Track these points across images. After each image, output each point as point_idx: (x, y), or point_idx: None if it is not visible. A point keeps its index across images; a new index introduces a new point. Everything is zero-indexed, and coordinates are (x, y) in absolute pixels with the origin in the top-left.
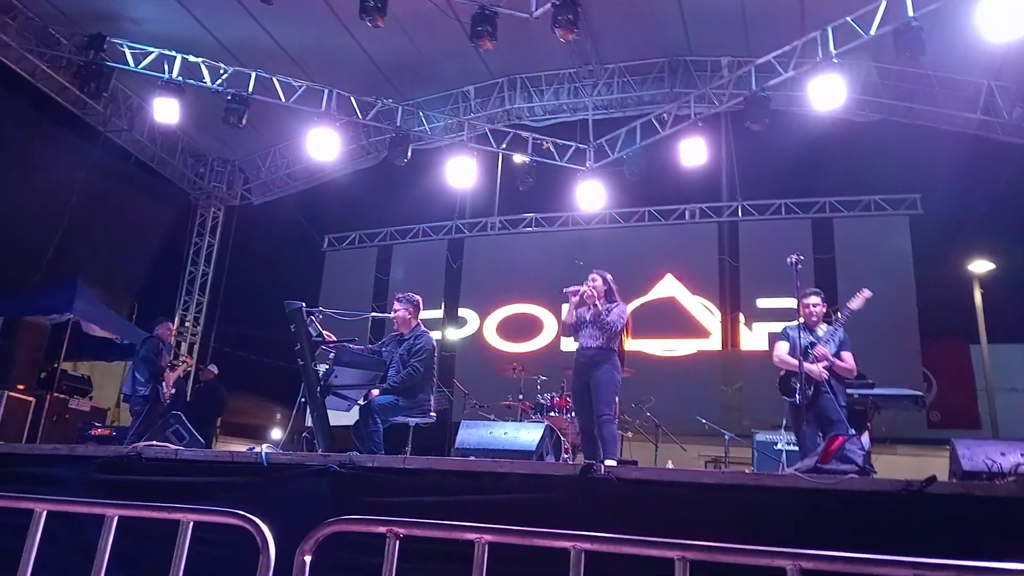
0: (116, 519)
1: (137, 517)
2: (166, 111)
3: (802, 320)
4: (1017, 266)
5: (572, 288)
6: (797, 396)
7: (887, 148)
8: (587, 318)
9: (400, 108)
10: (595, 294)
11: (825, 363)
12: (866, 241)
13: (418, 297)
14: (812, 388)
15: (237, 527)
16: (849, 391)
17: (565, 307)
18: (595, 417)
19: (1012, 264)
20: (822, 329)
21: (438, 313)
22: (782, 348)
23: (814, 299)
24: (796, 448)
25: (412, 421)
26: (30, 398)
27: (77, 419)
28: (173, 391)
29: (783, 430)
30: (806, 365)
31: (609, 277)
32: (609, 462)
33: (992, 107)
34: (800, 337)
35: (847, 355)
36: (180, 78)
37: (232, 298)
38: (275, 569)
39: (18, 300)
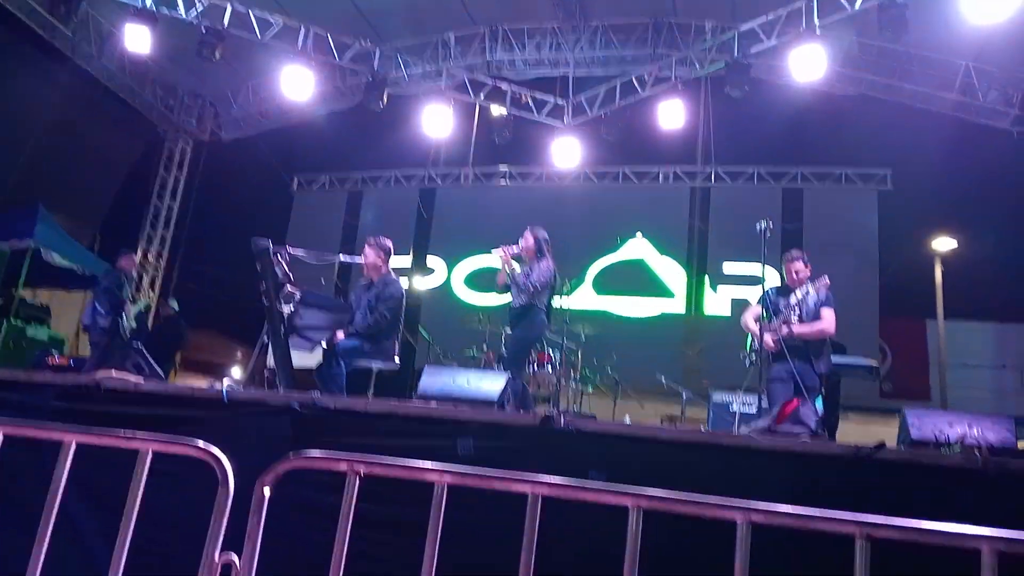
0: (73, 445)
1: (95, 446)
2: (137, 40)
3: (783, 282)
4: (979, 245)
5: (500, 248)
6: (747, 359)
7: (863, 123)
8: (515, 277)
9: (378, 51)
10: (507, 255)
11: (784, 332)
12: (834, 213)
13: (389, 242)
14: (783, 354)
15: (196, 460)
16: None
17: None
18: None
19: (974, 243)
20: (800, 291)
21: (406, 261)
22: (752, 313)
23: (797, 264)
24: (752, 411)
25: (375, 366)
26: None
27: (34, 347)
28: (133, 324)
29: (742, 391)
30: (760, 334)
31: (541, 235)
32: None
33: (969, 88)
34: (777, 300)
35: (826, 311)
36: (153, 7)
37: (198, 234)
38: (233, 503)
39: None
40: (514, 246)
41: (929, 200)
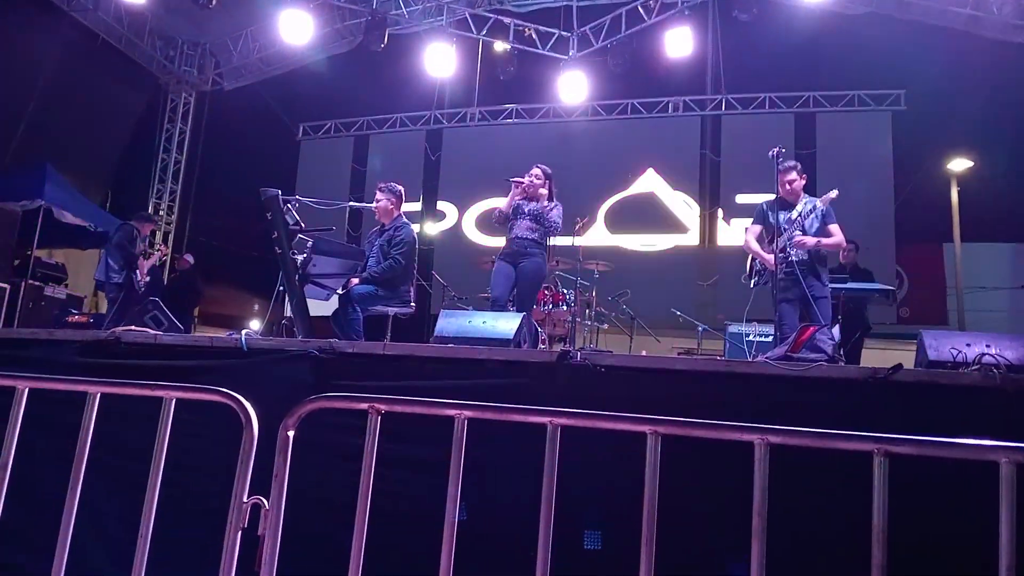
0: (98, 397)
1: (119, 399)
2: None
3: (778, 195)
4: (995, 164)
5: (517, 179)
6: (751, 280)
7: (874, 43)
8: (525, 210)
9: None
10: (526, 184)
11: (809, 245)
12: (848, 137)
13: (400, 187)
14: (791, 272)
15: (219, 408)
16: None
17: (505, 198)
18: (518, 305)
19: (990, 162)
20: (800, 205)
21: (417, 206)
22: (752, 232)
23: (791, 174)
24: (768, 340)
25: (391, 311)
26: (4, 285)
27: (53, 306)
28: (147, 279)
29: (755, 322)
30: (763, 255)
31: (550, 173)
32: None
33: (982, 3)
34: (778, 216)
35: (834, 227)
36: None
37: (206, 186)
38: (258, 448)
39: None
40: (524, 179)
41: (944, 120)
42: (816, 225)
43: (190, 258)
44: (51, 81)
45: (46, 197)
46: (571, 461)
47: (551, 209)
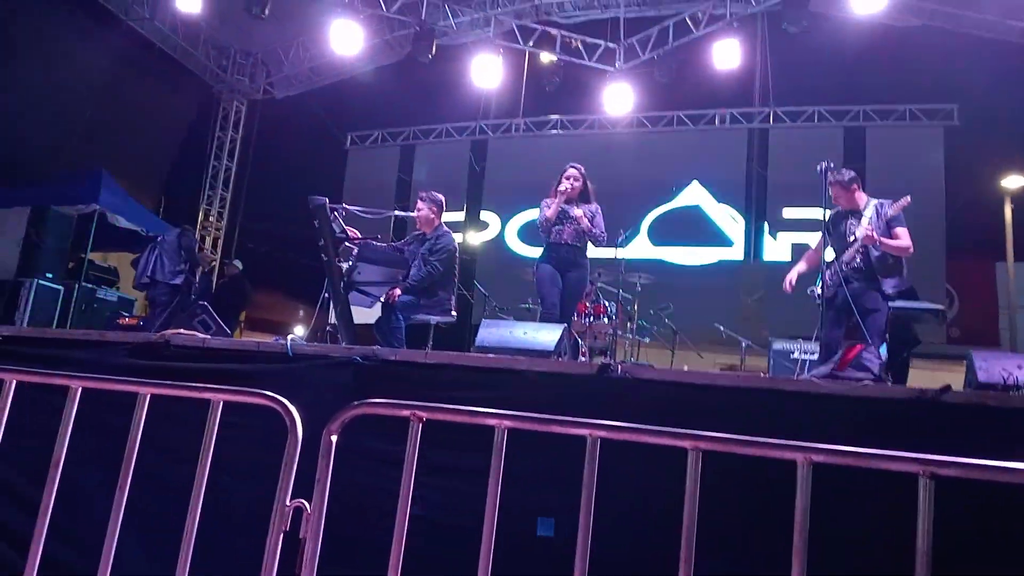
0: (148, 398)
1: (166, 403)
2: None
3: (838, 207)
4: None
5: (561, 187)
6: (814, 293)
7: (926, 56)
8: (571, 214)
9: (425, 1)
10: (572, 190)
11: (871, 237)
12: (898, 152)
13: (441, 196)
14: (841, 278)
15: (263, 411)
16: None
17: (549, 203)
18: (562, 316)
19: None
20: (869, 210)
21: (460, 216)
22: (814, 247)
23: (835, 188)
24: (813, 357)
25: (433, 319)
26: (59, 286)
27: (105, 309)
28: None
29: (800, 339)
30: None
31: (585, 172)
32: None
33: None
34: (840, 223)
35: (901, 231)
36: None
37: (256, 193)
38: (300, 452)
39: (44, 189)
40: (565, 185)
41: (998, 136)
42: (882, 230)
43: (239, 264)
44: (107, 88)
45: (101, 202)
46: (611, 472)
47: (594, 216)
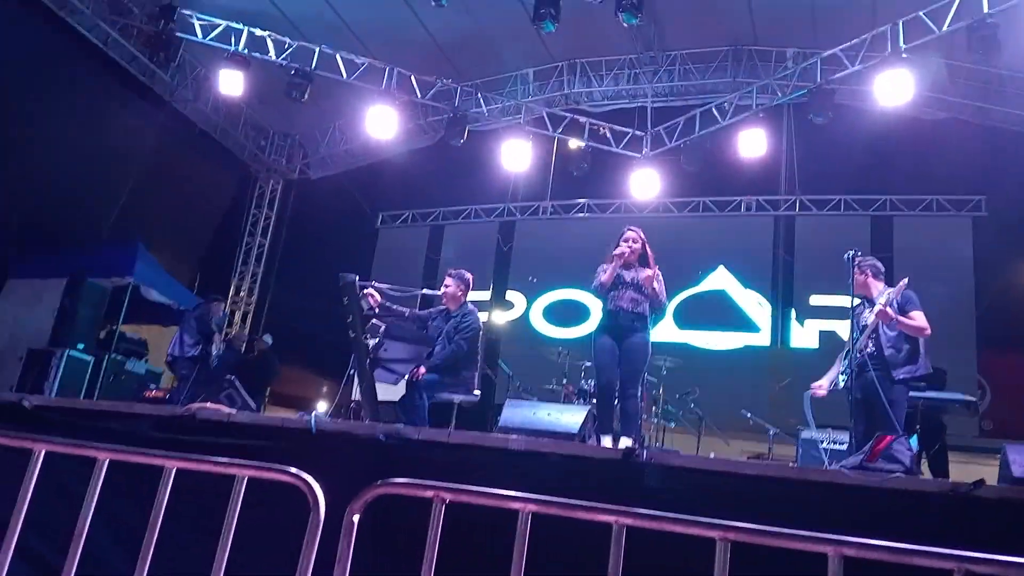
0: (174, 471)
1: (190, 477)
2: (231, 83)
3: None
4: None
5: (619, 250)
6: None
7: (953, 147)
8: (627, 279)
9: (459, 88)
10: (630, 253)
11: (886, 315)
12: (926, 242)
13: (469, 275)
14: (858, 368)
15: (286, 488)
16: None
17: (605, 268)
18: (621, 389)
19: None
20: (883, 298)
21: (486, 295)
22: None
23: (855, 272)
24: (843, 447)
25: (456, 398)
26: (89, 357)
27: (132, 381)
28: (220, 350)
29: (829, 429)
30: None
31: (644, 236)
32: (625, 440)
33: None
34: (859, 312)
35: (916, 313)
36: (246, 51)
37: (287, 270)
38: (323, 529)
39: (82, 259)
40: (624, 248)
41: None
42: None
43: (268, 339)
44: (149, 163)
45: (135, 275)
46: (635, 560)
47: (655, 278)
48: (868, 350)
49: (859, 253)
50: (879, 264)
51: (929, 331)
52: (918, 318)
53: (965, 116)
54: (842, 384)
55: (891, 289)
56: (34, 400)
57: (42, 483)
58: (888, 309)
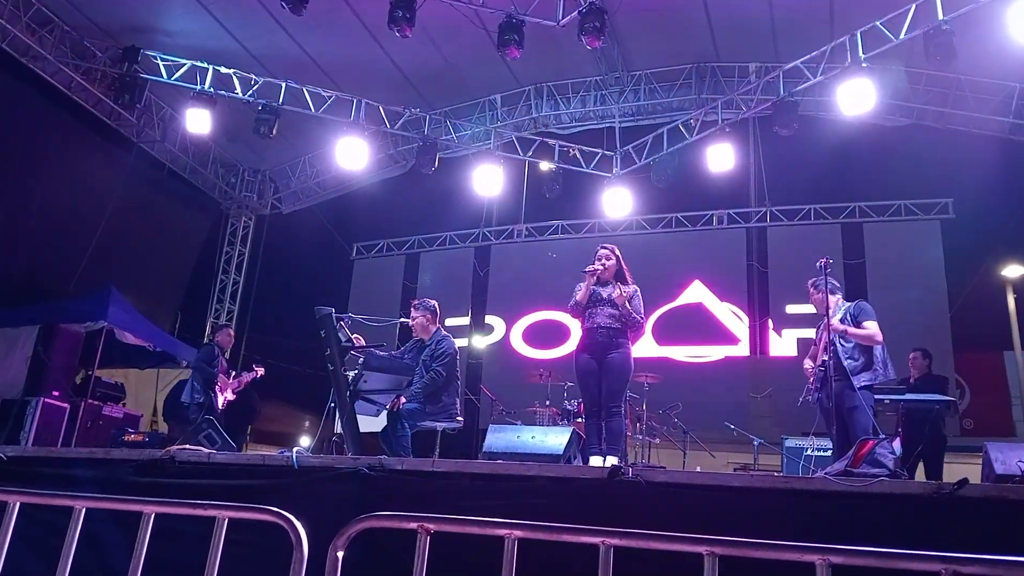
0: (152, 517)
1: (171, 521)
2: (198, 122)
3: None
4: None
5: (591, 268)
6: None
7: (918, 152)
8: (603, 295)
9: (428, 117)
10: (602, 270)
11: (836, 328)
12: (897, 246)
13: (434, 302)
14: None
15: (269, 527)
16: (879, 396)
17: (580, 287)
18: (605, 407)
19: None
20: (840, 312)
21: (464, 320)
22: (811, 351)
23: (810, 291)
24: (826, 454)
25: (439, 426)
26: (65, 404)
27: (110, 425)
28: (232, 398)
29: (812, 436)
30: (807, 364)
31: (619, 252)
32: (611, 459)
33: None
34: (820, 328)
35: (868, 323)
36: (212, 89)
37: (262, 306)
38: (307, 566)
39: (54, 307)
40: (596, 266)
41: (994, 226)
42: (848, 323)
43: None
44: (119, 207)
45: (109, 319)
46: None
47: (632, 296)
48: (831, 362)
49: (831, 262)
50: (835, 281)
51: (880, 338)
52: (870, 327)
53: (927, 121)
54: (812, 400)
55: (848, 304)
56: (8, 451)
57: (19, 532)
58: (836, 322)
